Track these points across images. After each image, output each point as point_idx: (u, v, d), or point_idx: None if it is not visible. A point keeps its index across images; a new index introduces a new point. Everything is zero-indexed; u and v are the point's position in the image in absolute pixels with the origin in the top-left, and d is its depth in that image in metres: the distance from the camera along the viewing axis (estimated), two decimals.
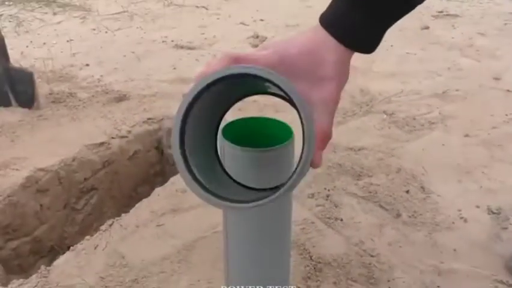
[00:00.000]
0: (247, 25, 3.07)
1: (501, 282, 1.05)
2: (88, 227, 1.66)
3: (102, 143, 1.65)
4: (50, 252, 1.55)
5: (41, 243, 1.51)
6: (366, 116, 1.86)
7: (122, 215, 1.29)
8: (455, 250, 1.15)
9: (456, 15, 3.25)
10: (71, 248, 1.17)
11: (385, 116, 1.85)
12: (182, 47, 2.63)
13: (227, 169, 0.69)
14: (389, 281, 1.05)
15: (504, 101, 1.96)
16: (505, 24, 3.01)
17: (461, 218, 1.26)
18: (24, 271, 1.48)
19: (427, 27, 2.97)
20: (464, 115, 1.83)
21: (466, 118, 1.81)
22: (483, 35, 2.77)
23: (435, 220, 1.25)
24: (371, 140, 1.65)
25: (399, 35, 2.82)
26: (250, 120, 0.78)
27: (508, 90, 2.06)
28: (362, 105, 1.94)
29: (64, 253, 1.20)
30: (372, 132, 1.72)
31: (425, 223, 1.24)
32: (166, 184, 1.44)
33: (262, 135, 0.78)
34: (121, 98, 1.98)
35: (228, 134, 0.71)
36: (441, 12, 3.34)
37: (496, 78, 2.17)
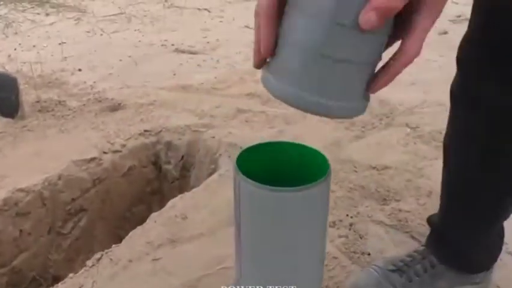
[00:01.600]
0: (252, 28, 2.92)
1: None
2: (76, 253, 1.50)
3: (92, 159, 1.49)
4: (32, 283, 1.39)
5: (21, 274, 1.35)
6: (387, 129, 1.70)
7: (113, 246, 1.13)
8: (498, 287, 1.00)
9: None
10: None
11: (408, 129, 1.69)
12: (183, 52, 2.49)
13: (241, 211, 0.54)
14: None
15: None
16: None
17: (509, 253, 1.10)
18: None
19: (445, 32, 2.83)
20: None
21: None
22: None
23: None
24: (396, 158, 1.50)
25: None
26: (272, 145, 0.62)
27: None
28: (381, 117, 1.78)
29: (47, 285, 1.05)
30: (396, 148, 1.57)
31: None
32: (164, 208, 1.28)
33: (285, 167, 0.63)
34: (115, 107, 1.83)
35: (245, 165, 0.55)
36: (459, 16, 3.20)
37: None
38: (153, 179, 1.70)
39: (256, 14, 0.46)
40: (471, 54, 0.80)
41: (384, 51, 0.49)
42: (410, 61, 0.45)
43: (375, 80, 0.47)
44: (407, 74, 2.36)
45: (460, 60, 0.84)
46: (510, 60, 0.73)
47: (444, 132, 1.68)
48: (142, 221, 1.27)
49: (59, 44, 2.61)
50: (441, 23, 2.98)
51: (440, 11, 0.45)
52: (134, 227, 1.23)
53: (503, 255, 1.10)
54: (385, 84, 0.47)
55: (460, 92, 0.85)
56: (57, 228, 1.43)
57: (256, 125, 1.69)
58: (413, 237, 1.15)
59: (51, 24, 3.06)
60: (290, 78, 0.43)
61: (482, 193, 0.85)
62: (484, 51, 0.77)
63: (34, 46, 2.57)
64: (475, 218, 0.89)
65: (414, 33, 0.44)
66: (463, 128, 0.87)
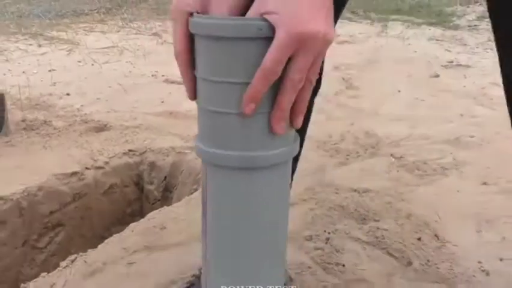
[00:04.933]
0: None
1: None
2: (50, 269, 1.54)
3: (74, 173, 1.57)
4: None
5: None
6: (372, 158, 1.80)
7: (89, 250, 1.19)
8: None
9: (467, 66, 3.30)
10: (22, 285, 1.06)
11: (393, 159, 1.79)
12: (173, 82, 2.63)
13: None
14: None
15: None
16: None
17: (483, 270, 1.17)
18: None
19: (437, 75, 3.00)
20: (480, 162, 1.78)
21: (483, 165, 1.76)
22: (497, 85, 2.79)
23: (453, 271, 1.16)
24: (378, 183, 1.59)
25: (407, 80, 2.84)
26: None
27: None
28: (367, 147, 1.89)
29: None
30: (379, 175, 1.66)
31: (440, 274, 1.15)
32: (142, 219, 1.35)
33: None
34: (101, 128, 1.93)
35: None
36: (452, 62, 3.39)
37: None
38: (134, 200, 1.78)
39: (176, 58, 0.56)
40: None
41: None
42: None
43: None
44: (396, 111, 2.49)
45: None
46: None
47: (429, 161, 1.78)
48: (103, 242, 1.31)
49: (49, 71, 2.75)
50: (433, 67, 3.17)
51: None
52: None
53: (479, 274, 1.17)
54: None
55: None
56: (32, 241, 1.49)
57: None
58: (389, 253, 1.22)
59: (43, 54, 3.23)
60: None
61: None
62: None
63: (24, 72, 2.71)
64: None
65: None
66: None
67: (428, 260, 1.20)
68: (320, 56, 0.52)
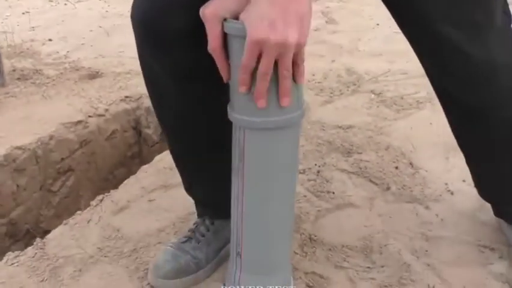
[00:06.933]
0: None
1: (484, 246, 1.27)
2: (64, 211, 1.79)
3: (79, 121, 1.79)
4: (26, 235, 1.68)
5: (17, 226, 1.65)
6: (354, 95, 2.07)
7: (112, 191, 1.44)
8: (442, 220, 1.37)
9: None
10: (64, 222, 1.32)
11: (373, 95, 2.06)
12: None
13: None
14: (381, 247, 1.26)
15: None
16: None
17: (448, 190, 1.48)
18: None
19: None
20: None
21: None
22: None
23: (423, 193, 1.47)
24: (360, 119, 1.86)
25: (385, 13, 3.05)
26: None
27: None
28: (349, 84, 2.15)
29: (41, 236, 1.34)
30: (361, 111, 1.93)
31: (413, 196, 1.46)
32: (152, 162, 1.60)
33: None
34: (93, 76, 2.12)
35: None
36: None
37: None
38: (134, 144, 2.01)
39: (212, 52, 0.79)
40: None
41: None
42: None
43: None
44: (375, 46, 2.72)
45: None
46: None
47: (405, 96, 2.05)
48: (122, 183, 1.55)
49: (23, 13, 2.84)
50: None
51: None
52: (116, 189, 1.52)
53: (445, 194, 1.48)
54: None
55: None
56: (48, 185, 1.73)
57: None
58: (371, 181, 1.52)
59: None
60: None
61: None
62: None
63: None
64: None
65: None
66: None
67: (404, 185, 1.50)
68: (285, 55, 0.74)
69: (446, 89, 1.08)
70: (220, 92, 0.89)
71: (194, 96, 0.97)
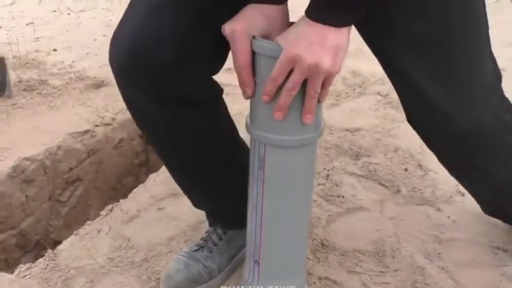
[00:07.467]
0: None
1: (497, 247, 1.27)
2: (73, 221, 1.80)
3: (86, 131, 1.79)
4: (36, 246, 1.68)
5: (27, 237, 1.65)
6: (360, 97, 2.07)
7: (121, 200, 1.44)
8: (454, 221, 1.37)
9: None
10: (74, 232, 1.32)
11: (379, 97, 2.06)
12: None
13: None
14: (393, 251, 1.25)
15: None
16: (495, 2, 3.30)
17: (459, 192, 1.48)
18: (10, 267, 1.61)
19: None
20: None
21: None
22: None
23: (434, 195, 1.46)
24: (367, 121, 1.86)
25: None
26: None
27: None
28: (355, 87, 2.15)
29: (51, 247, 1.34)
30: (368, 113, 1.93)
31: (424, 198, 1.45)
32: (160, 170, 1.60)
33: None
34: (98, 85, 2.12)
35: None
36: None
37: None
38: (141, 152, 2.02)
39: (239, 68, 0.79)
40: None
41: None
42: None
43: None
44: None
45: None
46: None
47: None
48: (131, 192, 1.55)
49: (27, 24, 2.86)
50: None
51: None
52: (125, 198, 1.52)
53: (456, 195, 1.47)
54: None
55: None
56: (56, 196, 1.73)
57: (239, 98, 2.02)
58: (380, 184, 1.52)
59: (12, 4, 3.30)
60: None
61: None
62: None
63: (1, 27, 2.81)
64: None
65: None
66: None
67: (414, 187, 1.50)
68: (315, 77, 0.74)
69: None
70: (216, 113, 0.98)
71: (189, 122, 0.95)
